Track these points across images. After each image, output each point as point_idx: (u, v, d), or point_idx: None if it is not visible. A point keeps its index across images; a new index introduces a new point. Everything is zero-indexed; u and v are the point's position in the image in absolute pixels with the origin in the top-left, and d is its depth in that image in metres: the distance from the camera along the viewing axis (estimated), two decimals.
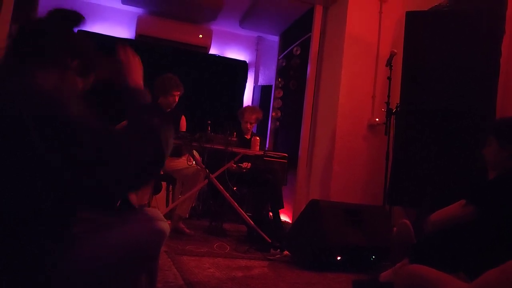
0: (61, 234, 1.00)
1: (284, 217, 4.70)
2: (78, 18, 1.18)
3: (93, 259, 1.04)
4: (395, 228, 2.56)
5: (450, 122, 3.35)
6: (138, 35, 5.87)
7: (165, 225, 1.19)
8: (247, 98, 6.56)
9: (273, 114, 5.91)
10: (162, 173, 3.80)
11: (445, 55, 3.45)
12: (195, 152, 3.65)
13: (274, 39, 6.38)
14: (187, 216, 3.77)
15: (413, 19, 3.66)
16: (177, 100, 3.88)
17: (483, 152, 2.10)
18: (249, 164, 4.14)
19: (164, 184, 4.27)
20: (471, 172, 3.10)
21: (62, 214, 0.99)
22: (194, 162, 3.60)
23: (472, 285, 1.37)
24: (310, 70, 4.93)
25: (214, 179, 3.52)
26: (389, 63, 3.81)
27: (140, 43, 5.83)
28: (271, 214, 3.91)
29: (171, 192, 4.24)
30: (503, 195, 1.87)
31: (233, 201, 3.55)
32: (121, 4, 5.73)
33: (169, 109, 3.92)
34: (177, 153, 3.85)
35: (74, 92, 1.11)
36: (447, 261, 1.86)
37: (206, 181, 3.57)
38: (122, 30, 5.93)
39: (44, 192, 0.93)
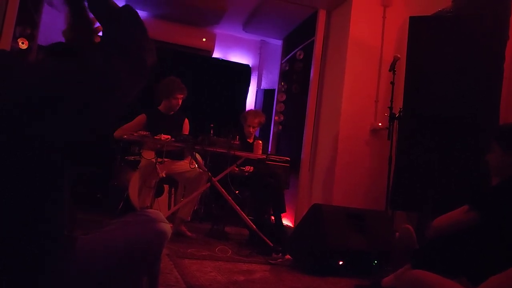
0: (61, 235, 0.99)
1: (286, 221, 4.69)
2: None
3: (94, 259, 1.04)
4: (397, 233, 2.55)
5: (453, 127, 3.34)
6: None
7: (167, 227, 1.19)
8: (250, 101, 6.56)
9: (276, 118, 5.91)
10: (164, 176, 3.80)
11: (448, 60, 3.45)
12: (197, 155, 3.65)
13: (278, 43, 6.39)
14: (189, 219, 3.77)
15: (416, 24, 3.66)
16: (180, 103, 3.89)
17: (487, 158, 2.09)
18: (252, 167, 4.14)
19: (166, 187, 4.27)
20: (473, 177, 3.09)
21: (62, 215, 0.99)
22: (196, 165, 3.59)
23: None
24: (313, 74, 4.93)
25: (216, 182, 3.52)
26: (392, 68, 3.81)
27: None
28: (273, 218, 3.90)
29: (173, 195, 4.24)
30: (506, 201, 1.86)
31: (235, 204, 3.54)
32: None
33: (172, 112, 3.92)
34: (180, 156, 3.86)
35: None
36: (449, 266, 1.84)
37: (208, 184, 3.57)
38: None
39: (44, 192, 0.93)
